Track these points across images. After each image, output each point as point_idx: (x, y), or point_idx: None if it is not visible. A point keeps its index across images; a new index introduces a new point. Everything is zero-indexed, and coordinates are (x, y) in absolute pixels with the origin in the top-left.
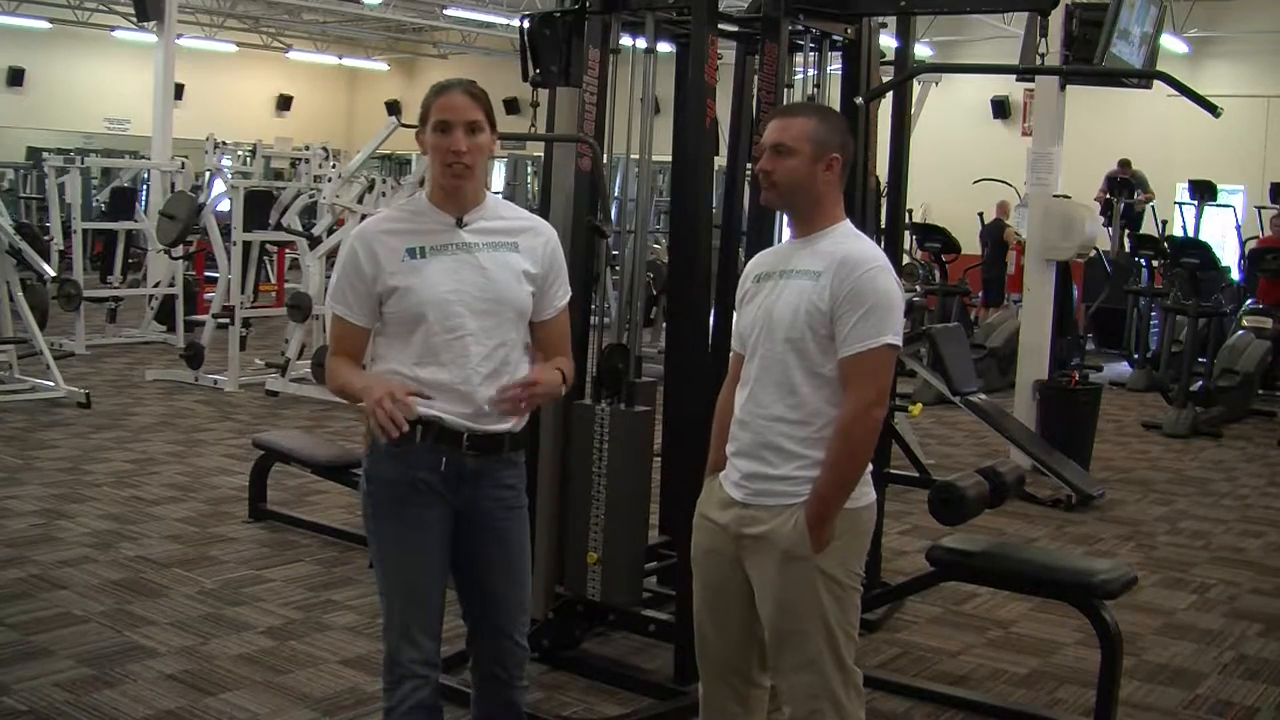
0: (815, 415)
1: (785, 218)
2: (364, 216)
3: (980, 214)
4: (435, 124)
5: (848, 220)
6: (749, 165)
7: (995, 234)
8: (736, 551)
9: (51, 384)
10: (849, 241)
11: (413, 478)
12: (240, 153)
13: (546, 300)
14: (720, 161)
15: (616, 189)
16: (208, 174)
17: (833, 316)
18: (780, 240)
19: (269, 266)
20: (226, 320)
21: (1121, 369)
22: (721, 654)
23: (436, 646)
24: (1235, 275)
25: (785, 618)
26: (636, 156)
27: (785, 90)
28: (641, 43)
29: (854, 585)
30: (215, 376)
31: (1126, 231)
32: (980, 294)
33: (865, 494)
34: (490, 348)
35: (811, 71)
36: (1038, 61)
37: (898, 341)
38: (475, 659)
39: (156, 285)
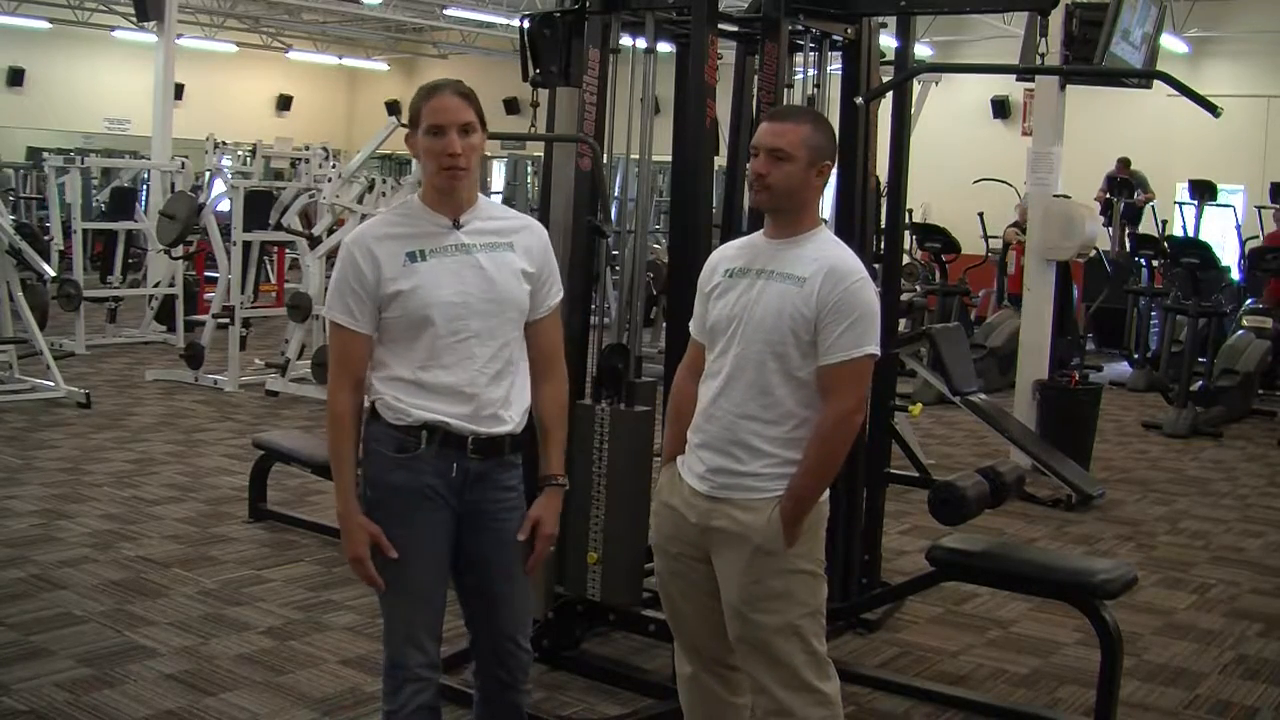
0: (788, 416)
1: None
2: (364, 216)
3: (980, 214)
4: (428, 128)
5: (825, 225)
6: (749, 165)
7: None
8: (702, 542)
9: (51, 384)
10: (831, 248)
11: (421, 484)
12: (240, 153)
13: (539, 299)
14: (720, 161)
15: (616, 189)
16: (208, 174)
17: (817, 324)
18: None
19: (269, 266)
20: (226, 320)
21: (1121, 369)
22: (696, 637)
23: (438, 649)
24: (1235, 275)
25: (755, 609)
26: (636, 156)
27: (785, 90)
28: (641, 43)
29: (821, 572)
30: (215, 376)
31: (1127, 230)
32: (981, 293)
33: None
34: (495, 349)
35: (811, 71)
36: (1038, 61)
37: (877, 351)
38: (478, 663)
39: (156, 285)
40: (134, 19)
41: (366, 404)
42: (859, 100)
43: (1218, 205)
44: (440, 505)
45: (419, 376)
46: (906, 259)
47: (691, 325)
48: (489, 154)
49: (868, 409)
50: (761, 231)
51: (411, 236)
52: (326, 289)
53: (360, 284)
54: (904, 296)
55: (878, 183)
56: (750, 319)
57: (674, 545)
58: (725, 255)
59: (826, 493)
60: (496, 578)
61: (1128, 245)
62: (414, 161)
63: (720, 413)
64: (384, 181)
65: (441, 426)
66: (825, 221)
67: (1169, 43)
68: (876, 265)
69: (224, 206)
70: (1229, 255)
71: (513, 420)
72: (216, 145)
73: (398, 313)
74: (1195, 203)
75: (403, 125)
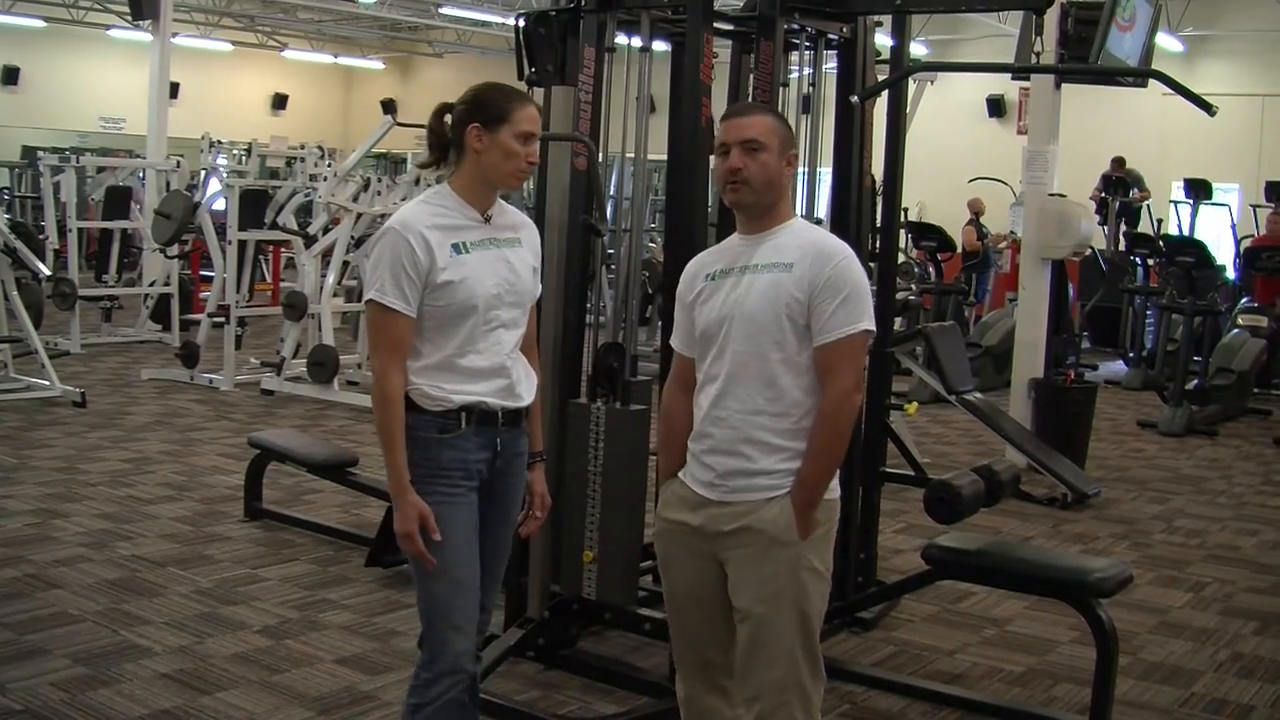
0: (794, 406)
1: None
2: (360, 216)
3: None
4: (523, 133)
5: (798, 216)
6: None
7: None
8: (713, 550)
9: (47, 383)
10: (813, 233)
11: (468, 460)
12: (235, 151)
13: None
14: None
15: (612, 188)
16: (203, 173)
17: (810, 305)
18: None
19: (264, 265)
20: (222, 319)
21: (1117, 367)
22: (700, 653)
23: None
24: (1230, 274)
25: (765, 606)
26: (632, 155)
27: (780, 89)
28: (637, 41)
29: (828, 576)
30: (211, 375)
31: (1124, 228)
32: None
33: (834, 487)
34: (517, 336)
35: (807, 70)
36: (1033, 60)
37: (872, 326)
38: None
39: (152, 284)
40: (129, 18)
41: None
42: (854, 99)
43: (1213, 204)
44: (476, 486)
45: (455, 362)
46: (902, 258)
47: (675, 340)
48: None
49: (864, 398)
50: (734, 235)
51: (454, 228)
52: (321, 288)
53: (415, 269)
54: (900, 295)
55: (873, 181)
56: (742, 314)
57: (681, 559)
58: (703, 263)
59: (838, 495)
60: (492, 549)
61: (1122, 244)
62: (409, 159)
63: (726, 414)
64: (379, 180)
65: (478, 406)
66: (821, 221)
67: (1164, 41)
68: (872, 264)
69: (219, 205)
70: (1224, 254)
71: (529, 395)
72: (212, 144)
73: (444, 301)
74: (1190, 201)
75: (401, 124)
